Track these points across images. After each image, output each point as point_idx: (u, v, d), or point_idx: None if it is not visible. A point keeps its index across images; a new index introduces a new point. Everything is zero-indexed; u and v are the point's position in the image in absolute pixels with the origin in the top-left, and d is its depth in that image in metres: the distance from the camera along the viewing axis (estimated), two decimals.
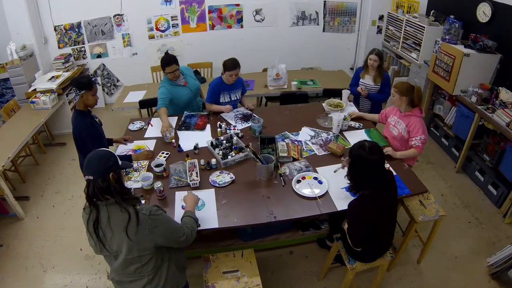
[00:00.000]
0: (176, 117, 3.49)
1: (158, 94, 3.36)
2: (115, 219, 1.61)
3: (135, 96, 4.47)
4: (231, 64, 3.34)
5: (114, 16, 5.21)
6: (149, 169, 2.69)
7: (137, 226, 1.61)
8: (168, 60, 3.29)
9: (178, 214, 2.24)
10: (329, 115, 3.40)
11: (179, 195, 2.42)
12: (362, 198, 2.08)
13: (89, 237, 1.69)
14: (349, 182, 2.16)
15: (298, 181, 2.55)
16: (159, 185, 2.36)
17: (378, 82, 3.66)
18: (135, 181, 2.56)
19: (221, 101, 3.58)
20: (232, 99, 3.62)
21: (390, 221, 2.23)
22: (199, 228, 2.06)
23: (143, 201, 2.32)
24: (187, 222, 1.93)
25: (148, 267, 1.71)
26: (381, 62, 3.61)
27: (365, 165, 2.01)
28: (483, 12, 3.85)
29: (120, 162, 1.70)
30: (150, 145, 3.04)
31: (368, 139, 3.03)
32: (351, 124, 3.25)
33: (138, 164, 2.77)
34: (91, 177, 1.59)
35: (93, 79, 2.59)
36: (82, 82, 2.57)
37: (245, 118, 3.46)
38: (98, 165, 1.61)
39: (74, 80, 2.61)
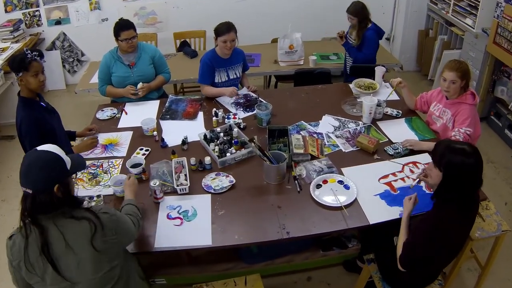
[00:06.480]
0: (158, 101, 3.48)
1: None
2: (73, 235, 1.59)
3: None
4: (224, 26, 3.35)
5: None
6: (124, 170, 2.67)
7: (102, 231, 1.63)
8: (125, 23, 3.35)
9: (161, 222, 2.26)
10: (359, 100, 3.39)
11: (167, 201, 2.44)
12: (447, 213, 2.01)
13: (25, 272, 1.58)
14: (434, 196, 2.10)
15: (318, 186, 2.54)
16: (156, 184, 2.37)
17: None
18: (104, 186, 2.55)
19: (216, 80, 3.57)
20: (231, 77, 3.61)
21: (458, 247, 2.21)
22: (191, 248, 2.07)
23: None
24: (128, 210, 2.02)
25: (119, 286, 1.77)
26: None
27: (460, 173, 1.93)
28: None
29: (69, 166, 1.65)
30: (125, 137, 3.05)
31: (410, 131, 3.04)
32: (387, 112, 3.23)
33: (109, 164, 2.76)
34: (29, 191, 1.54)
35: (31, 54, 2.52)
36: (14, 62, 2.52)
37: (249, 103, 3.45)
38: (39, 176, 1.55)
39: (9, 62, 2.57)
